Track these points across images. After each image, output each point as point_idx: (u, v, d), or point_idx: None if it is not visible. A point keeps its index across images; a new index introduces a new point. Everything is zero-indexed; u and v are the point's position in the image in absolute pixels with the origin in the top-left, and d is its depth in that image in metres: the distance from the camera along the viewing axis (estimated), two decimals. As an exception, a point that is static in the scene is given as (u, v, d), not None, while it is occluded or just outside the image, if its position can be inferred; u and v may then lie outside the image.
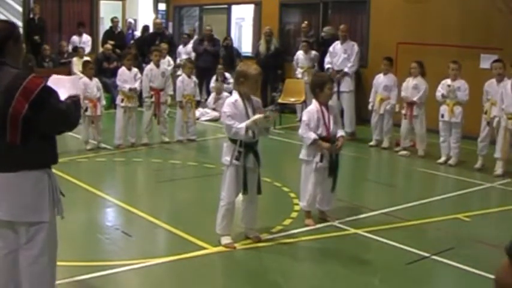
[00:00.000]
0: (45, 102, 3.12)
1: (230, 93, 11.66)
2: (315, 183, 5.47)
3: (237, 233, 5.08)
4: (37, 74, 3.32)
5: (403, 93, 8.78)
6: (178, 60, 12.99)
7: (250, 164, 4.86)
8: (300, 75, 11.41)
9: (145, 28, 14.50)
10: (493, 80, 7.90)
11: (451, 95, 8.03)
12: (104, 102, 9.00)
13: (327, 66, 10.20)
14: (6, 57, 3.21)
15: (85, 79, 8.53)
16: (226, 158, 4.88)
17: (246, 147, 4.81)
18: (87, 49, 13.88)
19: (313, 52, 11.47)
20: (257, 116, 4.70)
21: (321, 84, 5.45)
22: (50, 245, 3.32)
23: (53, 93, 3.19)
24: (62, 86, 3.36)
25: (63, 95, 3.29)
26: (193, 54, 13.21)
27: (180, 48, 13.87)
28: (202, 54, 13.03)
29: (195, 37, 14.06)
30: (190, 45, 13.65)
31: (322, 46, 11.16)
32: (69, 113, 3.26)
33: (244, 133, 4.70)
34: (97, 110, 8.57)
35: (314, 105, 5.49)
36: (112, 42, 13.59)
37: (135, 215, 5.78)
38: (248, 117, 4.79)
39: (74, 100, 3.35)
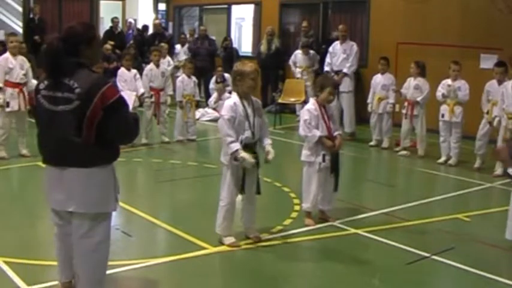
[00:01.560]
0: (118, 110, 3.38)
1: (230, 93, 11.74)
2: (318, 184, 5.47)
3: (237, 232, 5.07)
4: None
5: (403, 91, 8.78)
6: (175, 61, 12.96)
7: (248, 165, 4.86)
8: (299, 75, 11.41)
9: (144, 28, 14.52)
10: (494, 81, 7.90)
11: (451, 95, 8.04)
12: None
13: (326, 68, 10.20)
14: (82, 59, 3.42)
15: None
16: (225, 157, 4.88)
17: (245, 148, 4.81)
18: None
19: (312, 52, 11.47)
20: (248, 159, 4.69)
21: (322, 87, 5.49)
22: (108, 234, 3.63)
23: (125, 104, 3.48)
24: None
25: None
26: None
27: (179, 48, 13.87)
28: (199, 54, 13.05)
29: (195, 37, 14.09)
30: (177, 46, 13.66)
31: (328, 46, 11.08)
32: (133, 126, 3.54)
33: (231, 152, 4.72)
34: None
35: (312, 104, 5.51)
36: (112, 42, 13.60)
37: (135, 215, 5.78)
38: (248, 119, 4.79)
39: (134, 117, 3.62)
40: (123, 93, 3.60)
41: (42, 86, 3.47)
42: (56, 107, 3.36)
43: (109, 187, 3.55)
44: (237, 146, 4.71)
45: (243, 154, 4.69)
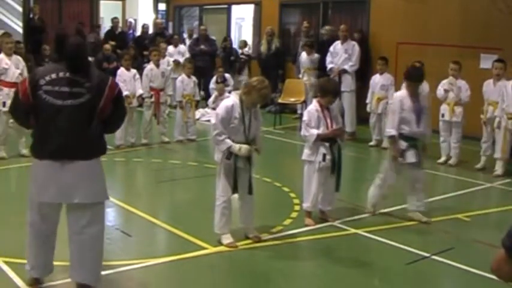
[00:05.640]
0: (120, 101, 3.81)
1: (230, 93, 11.73)
2: (318, 183, 5.47)
3: (237, 232, 5.08)
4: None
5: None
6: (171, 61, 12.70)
7: (240, 164, 4.88)
8: (300, 76, 11.38)
9: (145, 27, 14.55)
10: (490, 81, 7.89)
11: (454, 90, 7.98)
12: None
13: (330, 65, 10.18)
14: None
15: None
16: (218, 156, 4.92)
17: None
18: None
19: (316, 55, 11.42)
20: (245, 147, 4.78)
21: (323, 94, 5.51)
22: (104, 221, 3.92)
23: (123, 95, 3.95)
24: None
25: None
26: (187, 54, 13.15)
27: (184, 48, 13.81)
28: (199, 54, 13.02)
29: (194, 37, 14.06)
30: (181, 46, 13.55)
31: (322, 46, 11.06)
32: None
33: (224, 149, 4.78)
34: None
35: (314, 105, 5.52)
36: (113, 42, 13.59)
37: (135, 215, 5.78)
38: (244, 123, 4.82)
39: None
40: None
41: (43, 82, 3.56)
42: (63, 102, 3.54)
43: (104, 177, 3.83)
44: (230, 142, 4.77)
45: (238, 145, 4.77)
